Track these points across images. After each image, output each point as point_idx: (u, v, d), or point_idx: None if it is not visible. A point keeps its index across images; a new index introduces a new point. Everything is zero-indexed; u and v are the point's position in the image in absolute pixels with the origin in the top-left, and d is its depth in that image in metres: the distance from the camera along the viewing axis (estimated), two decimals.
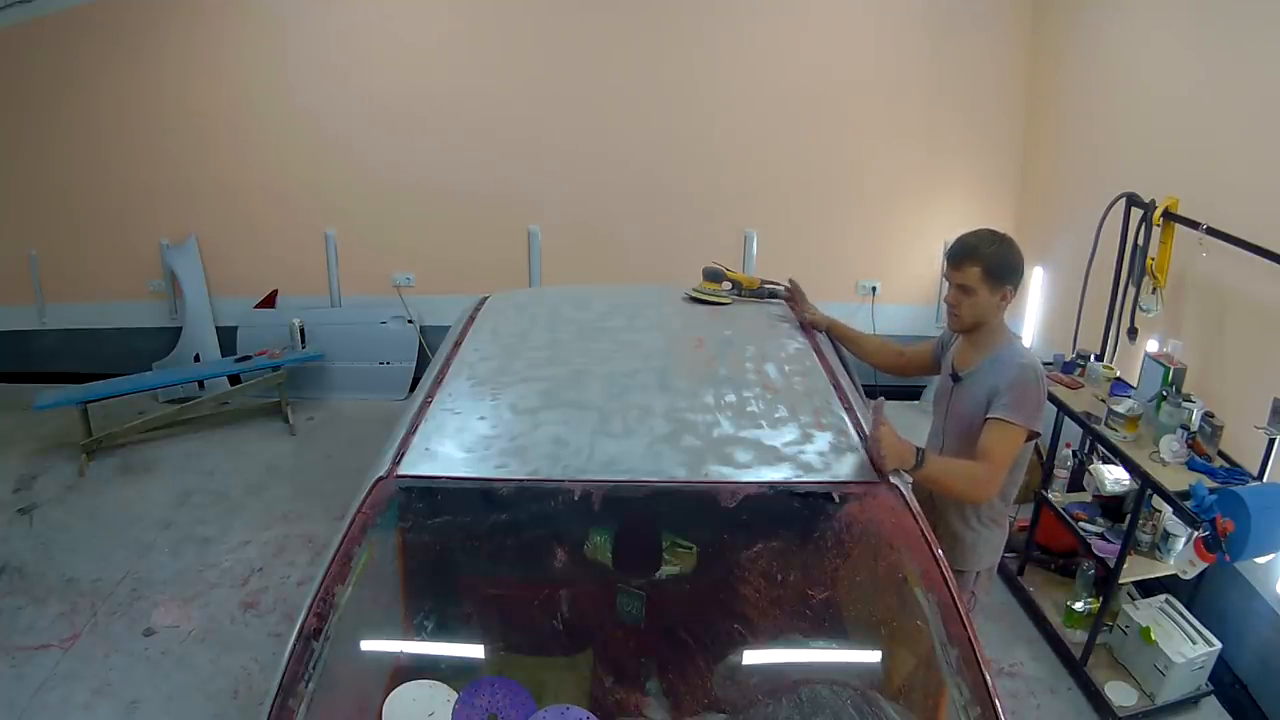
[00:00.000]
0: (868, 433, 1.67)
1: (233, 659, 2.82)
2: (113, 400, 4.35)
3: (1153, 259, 2.98)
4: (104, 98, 4.63)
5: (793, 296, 2.49)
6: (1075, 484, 3.17)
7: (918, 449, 1.69)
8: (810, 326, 2.36)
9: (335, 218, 4.85)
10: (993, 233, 1.92)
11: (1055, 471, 3.09)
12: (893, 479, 1.60)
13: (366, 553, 1.53)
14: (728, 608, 1.80)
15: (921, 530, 1.52)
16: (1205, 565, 2.53)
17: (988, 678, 1.32)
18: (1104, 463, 2.92)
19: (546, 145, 4.66)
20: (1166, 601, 2.71)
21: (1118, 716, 2.56)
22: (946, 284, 1.98)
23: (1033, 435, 1.90)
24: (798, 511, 1.68)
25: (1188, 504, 2.32)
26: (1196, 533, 2.35)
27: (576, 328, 2.33)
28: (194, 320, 4.90)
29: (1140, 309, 3.06)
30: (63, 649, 2.87)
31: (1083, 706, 2.65)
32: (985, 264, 1.88)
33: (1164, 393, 2.68)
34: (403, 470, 1.59)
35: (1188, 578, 2.64)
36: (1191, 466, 2.51)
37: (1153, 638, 2.56)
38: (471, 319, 2.45)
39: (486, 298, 2.67)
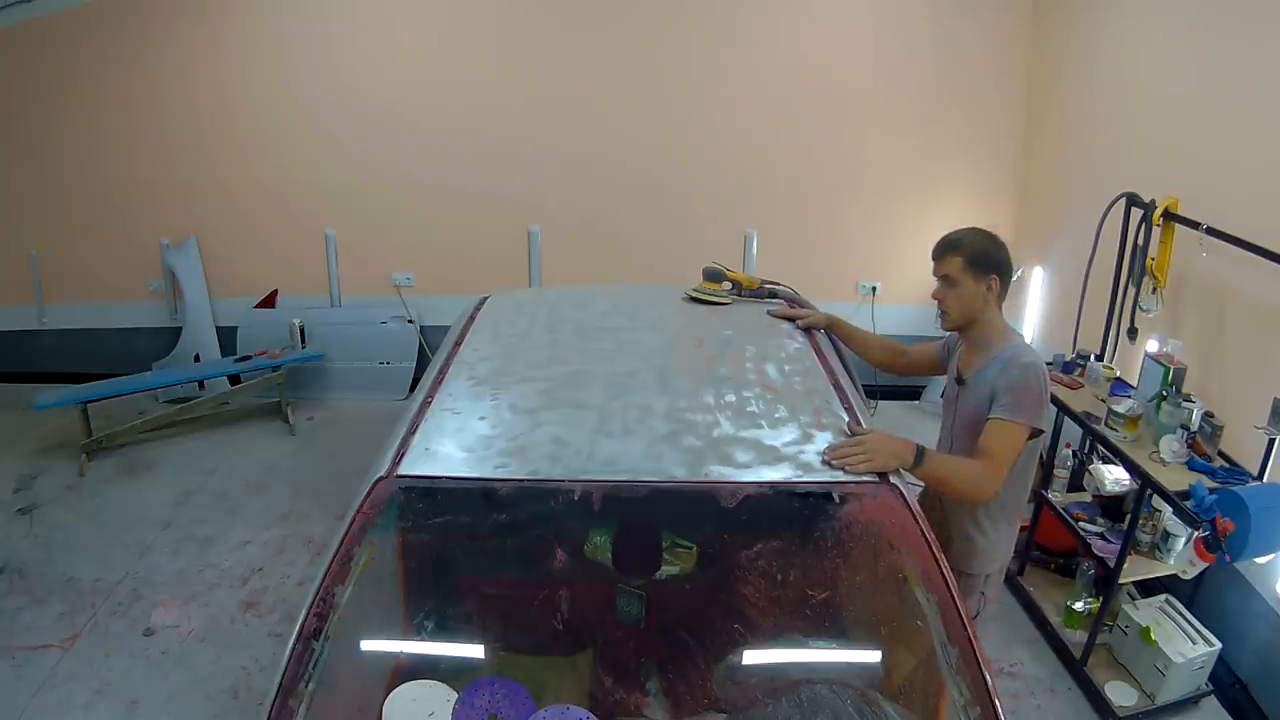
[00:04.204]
0: (851, 434, 1.67)
1: (233, 659, 2.82)
2: (113, 400, 4.35)
3: (1153, 259, 2.98)
4: (104, 98, 4.64)
5: (790, 314, 2.43)
6: (1075, 484, 3.17)
7: (917, 446, 1.69)
8: (810, 329, 2.35)
9: (335, 218, 4.85)
10: (974, 228, 1.97)
11: (1055, 471, 3.09)
12: (893, 479, 1.60)
13: (366, 553, 1.53)
14: (728, 608, 1.80)
15: (921, 530, 1.52)
16: (1205, 565, 2.54)
17: (988, 678, 1.32)
18: (1104, 463, 2.92)
19: (547, 145, 4.66)
20: (1166, 601, 2.71)
21: (1118, 716, 2.56)
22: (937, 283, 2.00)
23: (1036, 433, 1.89)
24: (798, 511, 1.67)
25: (1188, 504, 2.32)
26: (1196, 533, 2.35)
27: (576, 327, 2.33)
28: (194, 320, 4.90)
29: (1140, 309, 3.06)
30: (63, 649, 2.87)
31: (1083, 706, 2.65)
32: (965, 253, 1.92)
33: (1164, 393, 2.68)
34: (403, 470, 1.59)
35: (1188, 578, 2.64)
36: (1191, 466, 2.51)
37: (1153, 638, 2.56)
38: (471, 319, 2.44)
39: (486, 298, 2.66)
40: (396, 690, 1.56)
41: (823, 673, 1.64)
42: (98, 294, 5.04)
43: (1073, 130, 4.04)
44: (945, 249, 1.96)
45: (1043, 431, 1.91)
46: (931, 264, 2.00)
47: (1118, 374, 3.15)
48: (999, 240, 1.96)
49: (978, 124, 4.52)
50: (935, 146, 4.57)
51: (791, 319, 2.37)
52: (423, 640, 1.77)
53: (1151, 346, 3.05)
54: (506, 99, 4.58)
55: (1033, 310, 4.36)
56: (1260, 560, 2.46)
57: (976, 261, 1.92)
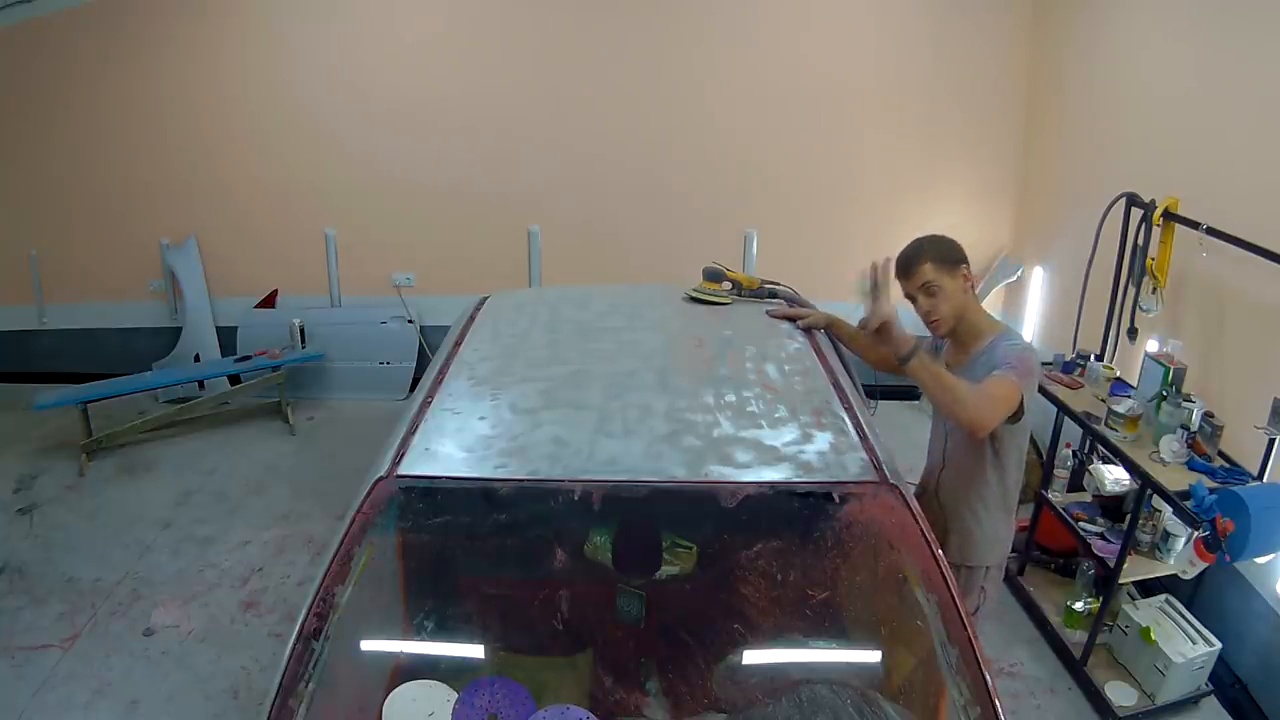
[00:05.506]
0: (873, 307, 1.83)
1: (233, 659, 2.82)
2: (113, 400, 4.36)
3: (1153, 259, 2.98)
4: (104, 98, 4.64)
5: (790, 314, 2.42)
6: (1075, 484, 3.16)
7: (917, 343, 1.80)
8: (810, 329, 2.35)
9: (335, 218, 4.85)
10: (921, 237, 2.02)
11: (1055, 471, 3.09)
12: (893, 480, 1.59)
13: (366, 553, 1.53)
14: (728, 608, 1.80)
15: (921, 530, 1.52)
16: (1205, 565, 2.54)
17: (988, 678, 1.32)
18: (1104, 463, 2.92)
19: (547, 145, 4.66)
20: (1166, 601, 2.71)
21: (1118, 716, 2.56)
22: (911, 303, 2.01)
23: (1021, 411, 1.86)
24: (798, 511, 1.67)
25: (1188, 504, 2.32)
26: (1196, 533, 2.35)
27: (576, 327, 2.33)
28: (194, 320, 4.90)
29: (1140, 309, 3.06)
30: (63, 649, 2.87)
31: (1083, 706, 2.65)
32: (931, 255, 1.96)
33: (1164, 393, 2.68)
34: (403, 470, 1.59)
35: (1188, 578, 2.64)
36: (1191, 466, 2.51)
37: (1153, 638, 2.56)
38: (471, 319, 2.44)
39: (486, 298, 2.66)
40: (396, 690, 1.57)
41: (823, 673, 1.64)
42: (98, 294, 5.04)
43: (1073, 130, 4.03)
44: (911, 261, 1.97)
45: (1024, 414, 1.88)
46: (901, 285, 2.01)
47: (1118, 374, 3.14)
48: (948, 237, 2.02)
49: (978, 124, 4.52)
50: (935, 146, 4.57)
51: (791, 319, 2.37)
52: (423, 640, 1.77)
53: (1151, 346, 3.05)
54: (506, 98, 4.58)
55: (1033, 310, 4.36)
56: (1260, 560, 2.46)
57: (944, 259, 1.96)
